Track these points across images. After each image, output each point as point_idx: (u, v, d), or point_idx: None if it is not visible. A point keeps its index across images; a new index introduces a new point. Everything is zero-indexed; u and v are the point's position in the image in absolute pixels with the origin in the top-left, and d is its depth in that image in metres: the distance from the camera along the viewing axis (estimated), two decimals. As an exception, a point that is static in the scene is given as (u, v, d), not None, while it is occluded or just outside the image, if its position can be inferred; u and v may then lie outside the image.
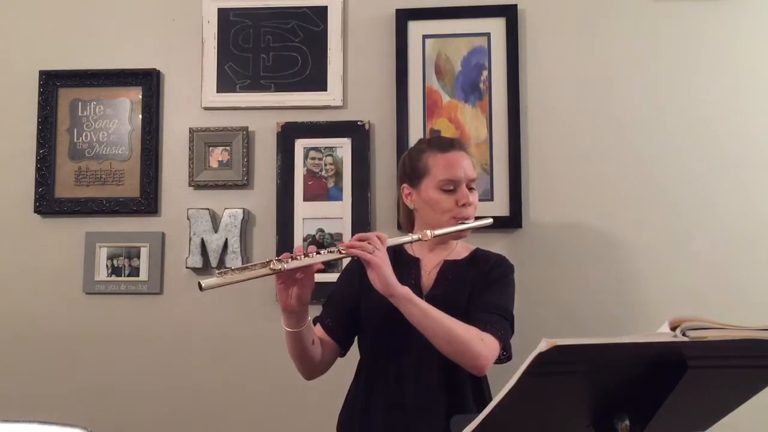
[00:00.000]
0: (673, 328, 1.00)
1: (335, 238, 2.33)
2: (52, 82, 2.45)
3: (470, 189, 1.80)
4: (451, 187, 1.77)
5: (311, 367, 1.76)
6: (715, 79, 2.32)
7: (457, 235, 1.80)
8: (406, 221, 1.90)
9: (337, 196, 2.35)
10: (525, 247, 2.28)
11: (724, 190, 2.29)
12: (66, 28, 2.49)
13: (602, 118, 2.34)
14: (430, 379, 1.70)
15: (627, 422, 1.07)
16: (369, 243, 1.62)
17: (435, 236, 1.73)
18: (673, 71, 2.33)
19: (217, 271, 1.56)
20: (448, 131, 2.33)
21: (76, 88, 2.46)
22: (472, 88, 2.36)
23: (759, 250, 2.26)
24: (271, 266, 1.56)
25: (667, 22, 2.35)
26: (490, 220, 1.89)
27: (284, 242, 2.33)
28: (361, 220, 2.33)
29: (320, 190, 2.37)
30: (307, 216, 2.35)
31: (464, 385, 1.71)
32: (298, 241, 2.33)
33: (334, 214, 2.34)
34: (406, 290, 1.62)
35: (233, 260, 2.33)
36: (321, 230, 2.34)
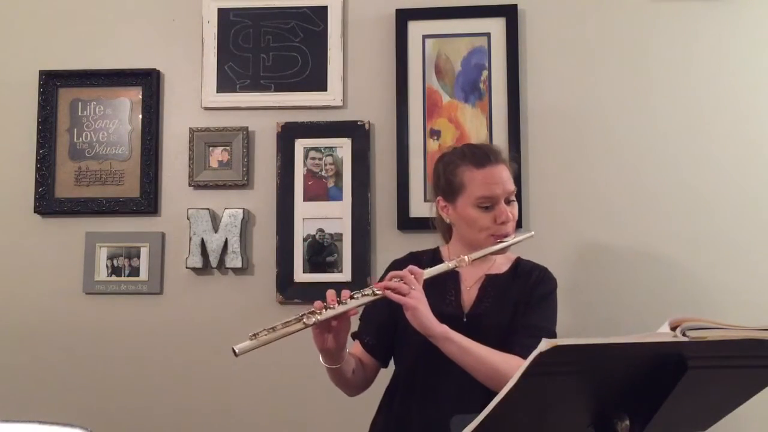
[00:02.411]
0: (673, 328, 1.00)
1: (335, 238, 2.33)
2: (52, 82, 2.45)
3: (508, 202, 1.73)
4: (489, 204, 1.70)
5: (353, 390, 1.76)
6: (715, 79, 2.32)
7: (496, 253, 1.73)
8: (444, 231, 1.85)
9: (337, 196, 2.35)
10: (524, 247, 2.27)
11: (723, 191, 2.28)
12: (66, 28, 2.49)
13: (602, 118, 2.34)
14: (468, 403, 1.62)
15: (627, 422, 1.07)
16: (404, 282, 1.58)
17: (472, 261, 1.67)
18: (672, 71, 2.33)
19: (249, 334, 1.52)
20: (448, 131, 2.33)
21: (76, 88, 2.46)
22: (472, 88, 2.36)
23: (759, 250, 2.26)
24: (305, 321, 1.54)
25: (667, 22, 2.35)
26: (532, 234, 1.82)
27: (284, 242, 2.33)
28: (361, 221, 2.33)
29: (320, 190, 2.37)
30: (307, 216, 2.35)
31: None
32: (298, 241, 2.33)
33: (334, 214, 2.34)
34: (443, 330, 1.58)
35: (233, 260, 2.33)
36: (321, 230, 2.34)
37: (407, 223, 2.31)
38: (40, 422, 1.30)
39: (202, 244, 2.34)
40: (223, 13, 2.45)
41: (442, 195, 1.78)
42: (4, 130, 2.47)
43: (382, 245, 2.33)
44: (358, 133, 2.36)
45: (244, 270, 2.36)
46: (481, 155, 1.75)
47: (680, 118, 2.32)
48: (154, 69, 2.45)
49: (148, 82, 2.44)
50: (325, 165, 2.37)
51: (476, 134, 2.33)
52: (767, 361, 1.08)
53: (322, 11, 2.43)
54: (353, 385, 1.74)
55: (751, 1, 2.34)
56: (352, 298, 1.58)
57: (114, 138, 2.44)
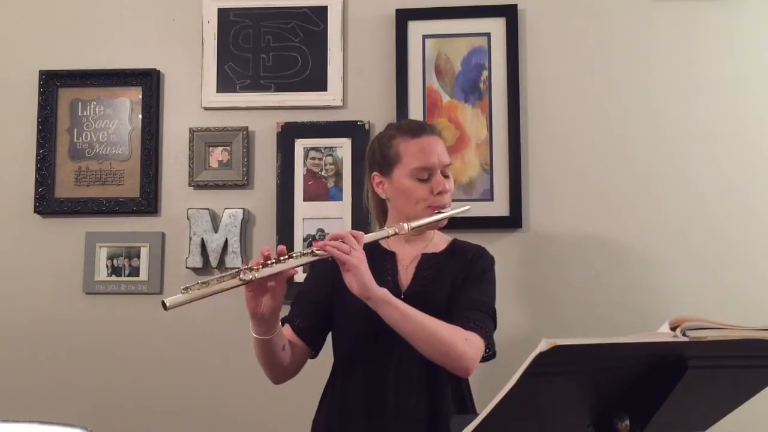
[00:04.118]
0: (673, 328, 1.00)
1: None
2: (52, 82, 2.45)
3: (445, 176, 1.70)
4: (425, 176, 1.68)
5: (280, 373, 1.68)
6: (715, 79, 2.32)
7: (435, 225, 1.71)
8: (378, 211, 1.81)
9: (337, 196, 2.35)
10: (525, 247, 2.28)
11: (723, 190, 2.28)
12: (66, 28, 2.49)
13: (602, 117, 2.34)
14: (410, 383, 1.63)
15: (627, 422, 1.07)
16: (344, 242, 1.53)
17: (412, 229, 1.64)
18: (671, 70, 2.33)
19: (181, 287, 1.43)
20: (448, 131, 2.33)
21: (76, 88, 2.46)
22: (472, 88, 2.36)
23: (759, 250, 2.26)
24: (241, 276, 1.45)
25: (667, 22, 2.35)
26: (468, 207, 1.80)
27: (284, 242, 2.32)
28: (361, 220, 2.32)
29: (320, 190, 2.37)
30: (307, 216, 2.35)
31: (445, 389, 1.65)
32: (298, 241, 2.33)
33: (334, 214, 2.34)
34: (384, 292, 1.54)
35: (233, 260, 2.33)
36: (321, 230, 2.34)
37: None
38: (40, 422, 1.30)
39: (202, 244, 2.34)
40: (223, 13, 2.45)
41: (378, 170, 1.75)
42: (4, 130, 2.47)
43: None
44: (358, 133, 2.36)
45: (244, 270, 2.35)
46: (416, 126, 1.76)
47: (680, 118, 2.32)
48: (154, 69, 2.45)
49: (148, 82, 2.44)
50: (325, 165, 2.37)
51: (476, 134, 2.33)
52: (767, 361, 1.08)
53: (322, 11, 2.43)
54: (281, 365, 1.64)
55: (751, 1, 2.34)
56: (290, 257, 1.50)
57: (114, 138, 2.44)
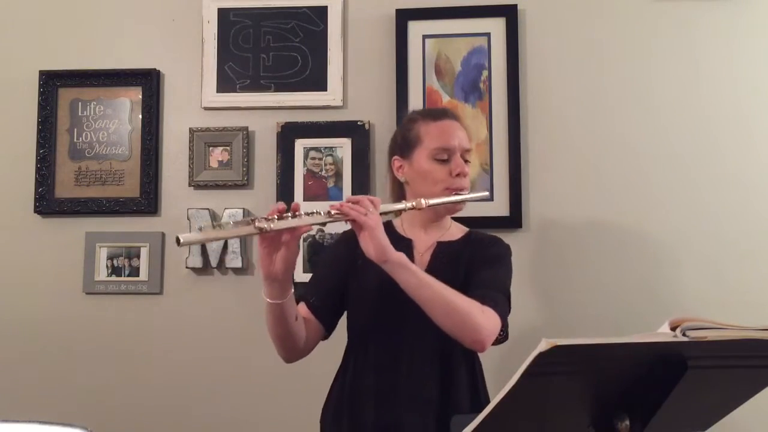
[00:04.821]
0: (673, 328, 1.00)
1: (335, 238, 2.32)
2: (52, 82, 2.45)
3: (465, 161, 1.70)
4: (445, 157, 1.67)
5: (293, 347, 1.63)
6: (715, 79, 2.32)
7: (452, 209, 1.71)
8: (397, 197, 1.78)
9: (337, 196, 2.35)
10: (525, 247, 2.28)
11: (724, 190, 2.29)
12: (66, 28, 2.49)
13: (602, 117, 2.34)
14: (423, 366, 1.62)
15: (627, 422, 1.07)
16: (360, 206, 1.51)
17: (430, 205, 1.62)
18: (672, 71, 2.33)
19: (198, 227, 1.43)
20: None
21: (76, 88, 2.46)
22: (472, 88, 2.36)
23: (759, 250, 2.26)
24: (257, 224, 1.40)
25: (667, 22, 2.35)
26: (486, 193, 1.82)
27: (284, 242, 2.33)
28: (361, 220, 2.32)
29: (320, 190, 2.37)
30: (307, 216, 2.34)
31: (458, 372, 1.64)
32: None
33: (334, 214, 2.34)
34: (401, 256, 1.51)
35: (233, 260, 2.33)
36: (321, 230, 2.34)
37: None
38: (40, 422, 1.30)
39: (202, 244, 2.34)
40: (223, 13, 2.45)
41: (399, 153, 1.75)
42: (4, 130, 2.47)
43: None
44: (358, 133, 2.36)
45: (244, 270, 2.36)
46: (437, 111, 1.78)
47: (681, 118, 2.32)
48: (154, 69, 2.45)
49: (148, 82, 2.44)
50: (325, 165, 2.37)
51: (476, 134, 2.32)
52: (767, 361, 1.08)
53: (322, 11, 2.43)
54: (293, 336, 1.60)
55: (751, 0, 2.34)
56: (307, 214, 1.47)
57: (114, 138, 2.44)
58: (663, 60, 2.34)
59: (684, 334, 0.98)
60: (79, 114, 2.46)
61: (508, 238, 2.27)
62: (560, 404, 1.10)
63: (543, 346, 0.93)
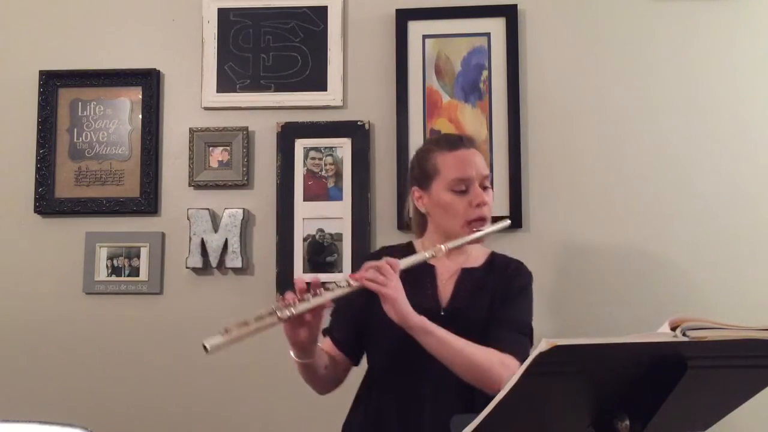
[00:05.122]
0: (673, 328, 1.00)
1: (335, 239, 2.33)
2: (52, 82, 2.45)
3: (484, 188, 1.70)
4: (463, 187, 1.68)
5: (323, 388, 1.72)
6: (715, 79, 2.33)
7: (474, 240, 1.71)
8: (418, 225, 1.82)
9: (337, 196, 2.35)
10: (525, 247, 2.27)
11: (723, 190, 2.29)
12: (66, 28, 2.49)
13: (602, 117, 2.34)
14: (448, 400, 1.62)
15: (627, 422, 1.07)
16: (380, 272, 1.54)
17: (448, 250, 1.64)
18: (672, 71, 2.34)
19: (222, 329, 1.43)
20: (448, 131, 2.32)
21: (76, 88, 2.46)
22: (472, 88, 2.36)
23: (758, 250, 2.26)
24: (279, 314, 1.46)
25: (667, 22, 2.35)
26: (508, 222, 1.81)
27: (284, 242, 2.33)
28: (361, 220, 2.33)
29: (320, 190, 2.37)
30: (307, 216, 2.35)
31: (481, 402, 1.65)
32: (298, 241, 2.33)
33: (334, 214, 2.34)
34: (421, 320, 1.54)
35: (233, 260, 2.33)
36: (321, 230, 2.34)
37: (407, 223, 2.30)
38: (40, 422, 1.30)
39: (202, 244, 2.34)
40: (223, 13, 2.45)
41: (417, 184, 1.77)
42: (4, 130, 2.47)
43: (382, 245, 2.32)
44: (358, 133, 2.36)
45: (244, 270, 2.36)
46: (453, 139, 1.77)
47: (680, 119, 2.32)
48: (154, 69, 2.45)
49: (148, 82, 2.44)
50: (325, 165, 2.37)
51: (476, 134, 2.32)
52: (767, 361, 1.08)
53: (322, 11, 2.43)
54: (324, 381, 1.69)
55: (751, 0, 2.34)
56: (326, 289, 1.52)
57: (114, 138, 2.44)
58: (662, 60, 2.34)
59: (684, 334, 0.98)
60: (79, 114, 2.46)
61: (509, 238, 2.28)
62: (560, 404, 1.10)
63: (543, 346, 0.93)
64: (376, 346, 1.74)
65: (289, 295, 1.51)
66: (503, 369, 1.55)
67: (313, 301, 1.49)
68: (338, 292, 1.52)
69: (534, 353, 0.94)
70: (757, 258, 2.26)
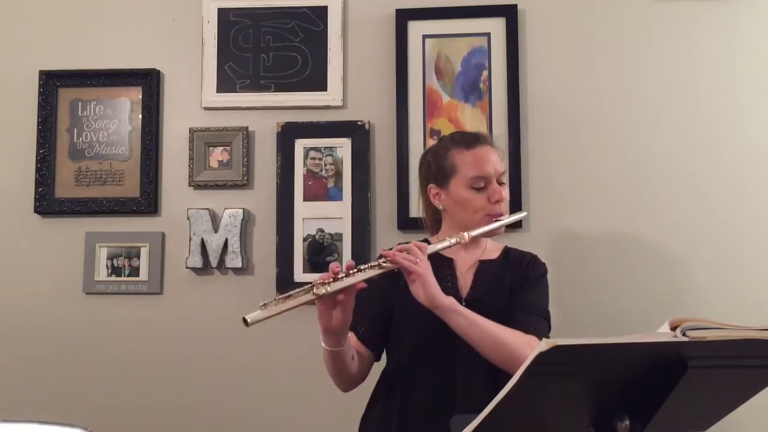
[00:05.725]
0: (673, 328, 1.00)
1: (335, 238, 2.33)
2: (52, 82, 2.45)
3: (500, 183, 1.75)
4: (482, 184, 1.72)
5: (348, 381, 1.73)
6: (715, 79, 2.33)
7: (492, 232, 1.75)
8: (432, 221, 1.86)
9: (337, 196, 2.35)
10: (525, 246, 2.26)
11: (723, 189, 2.29)
12: (66, 28, 2.49)
13: (602, 117, 2.34)
14: (478, 389, 1.63)
15: (627, 422, 1.07)
16: (410, 254, 1.58)
17: (472, 237, 1.69)
18: (672, 71, 2.34)
19: (260, 304, 1.50)
20: (448, 131, 2.32)
21: (76, 88, 2.46)
22: (472, 88, 2.36)
23: (759, 249, 2.26)
24: (315, 291, 1.51)
25: (666, 22, 2.35)
26: (524, 214, 1.89)
27: (284, 242, 2.33)
28: (361, 220, 2.33)
29: (320, 190, 2.37)
30: (307, 216, 2.35)
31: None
32: (298, 241, 2.33)
33: (334, 214, 2.34)
34: (451, 300, 1.58)
35: (233, 260, 2.33)
36: (321, 230, 2.34)
37: (407, 223, 2.31)
38: (40, 422, 1.30)
39: (202, 244, 2.34)
40: (223, 13, 2.45)
41: (434, 182, 1.80)
42: (4, 130, 2.47)
43: (382, 245, 2.32)
44: (358, 133, 2.36)
45: (244, 270, 2.36)
46: (470, 137, 1.80)
47: (680, 118, 2.32)
48: (154, 69, 2.45)
49: (148, 82, 2.44)
50: (325, 165, 2.37)
51: (476, 134, 2.32)
52: (767, 361, 1.08)
53: (322, 11, 2.43)
54: (351, 373, 1.70)
55: (751, 1, 2.34)
56: (359, 270, 1.56)
57: (114, 138, 2.44)
58: (662, 59, 2.34)
59: (684, 334, 0.98)
60: (79, 114, 2.46)
61: (509, 238, 2.28)
62: (560, 404, 1.10)
63: (543, 346, 0.93)
64: (401, 340, 1.76)
65: (324, 275, 1.55)
66: (529, 350, 1.55)
67: (346, 281, 1.54)
68: (370, 273, 1.57)
69: (534, 353, 0.94)
70: (757, 257, 2.26)
